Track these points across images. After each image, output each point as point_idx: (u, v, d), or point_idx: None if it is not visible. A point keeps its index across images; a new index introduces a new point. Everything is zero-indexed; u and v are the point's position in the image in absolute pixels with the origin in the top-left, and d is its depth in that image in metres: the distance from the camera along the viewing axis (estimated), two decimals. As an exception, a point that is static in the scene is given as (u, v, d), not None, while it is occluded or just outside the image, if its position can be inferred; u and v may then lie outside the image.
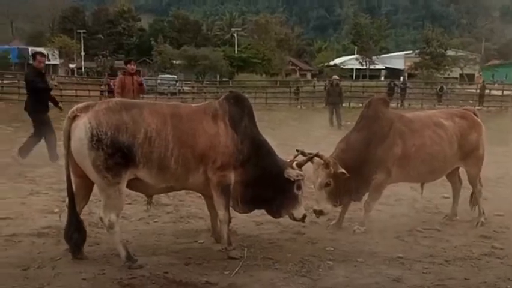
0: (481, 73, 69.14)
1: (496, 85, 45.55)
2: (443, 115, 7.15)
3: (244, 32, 74.20)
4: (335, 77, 23.89)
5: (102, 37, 75.89)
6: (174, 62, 60.90)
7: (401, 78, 47.47)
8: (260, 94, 32.73)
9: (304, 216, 5.84)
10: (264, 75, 58.01)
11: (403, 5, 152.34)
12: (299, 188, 5.75)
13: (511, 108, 31.71)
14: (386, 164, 6.45)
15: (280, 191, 5.69)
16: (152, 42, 67.38)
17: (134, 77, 11.45)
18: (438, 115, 7.17)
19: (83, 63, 67.93)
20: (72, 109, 5.03)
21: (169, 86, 41.97)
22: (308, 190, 7.00)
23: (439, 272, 5.22)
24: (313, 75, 68.25)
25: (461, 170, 7.31)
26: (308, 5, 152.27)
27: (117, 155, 4.86)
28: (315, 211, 6.30)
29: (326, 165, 6.10)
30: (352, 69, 72.35)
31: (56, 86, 12.30)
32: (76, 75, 58.80)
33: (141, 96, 11.87)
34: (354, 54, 75.40)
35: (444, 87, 38.50)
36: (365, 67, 70.90)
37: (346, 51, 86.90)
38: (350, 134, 6.73)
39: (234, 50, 66.64)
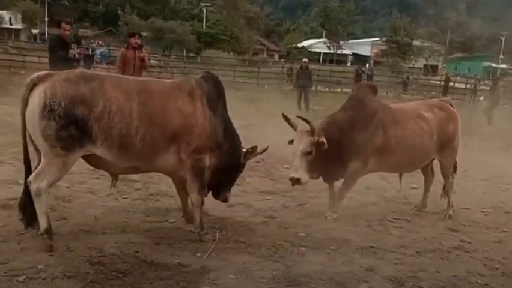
0: (444, 65, 70.20)
1: (458, 78, 46.25)
2: (424, 107, 7.15)
3: (213, 7, 73.12)
4: (305, 60, 23.77)
5: (67, 3, 73.88)
6: (141, 33, 59.75)
7: (367, 65, 47.75)
8: (228, 72, 32.31)
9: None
10: (231, 53, 57.41)
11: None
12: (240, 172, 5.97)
13: (472, 101, 32.22)
14: (365, 151, 6.41)
15: (233, 176, 5.81)
16: (119, 11, 65.86)
17: (137, 52, 10.77)
18: (420, 107, 7.16)
19: (46, 29, 65.74)
20: (32, 77, 4.80)
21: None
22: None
23: (411, 264, 5.23)
24: (280, 57, 67.80)
25: (435, 162, 7.34)
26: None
27: (70, 127, 4.67)
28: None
29: (312, 132, 6.01)
30: (319, 52, 72.38)
31: (75, 56, 12.03)
32: (38, 41, 57.02)
33: (143, 71, 11.14)
34: (322, 37, 75.34)
35: (410, 76, 38.96)
36: (332, 51, 70.94)
37: (314, 34, 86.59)
38: (337, 112, 6.67)
39: (202, 26, 65.68)
